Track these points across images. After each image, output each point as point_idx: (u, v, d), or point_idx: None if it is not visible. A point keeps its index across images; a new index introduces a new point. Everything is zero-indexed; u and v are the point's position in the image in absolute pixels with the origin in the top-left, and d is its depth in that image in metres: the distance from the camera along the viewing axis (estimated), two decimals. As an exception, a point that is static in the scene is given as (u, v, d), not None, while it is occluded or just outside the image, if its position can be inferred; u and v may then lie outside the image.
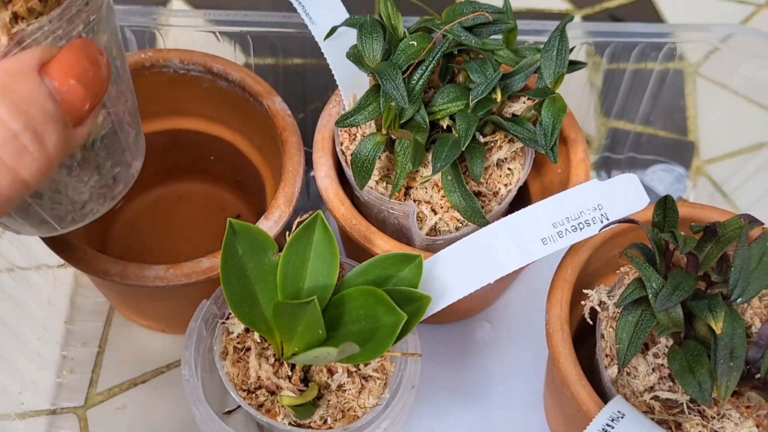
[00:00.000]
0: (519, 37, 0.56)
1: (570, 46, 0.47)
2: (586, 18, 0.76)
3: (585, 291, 0.46)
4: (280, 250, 0.42)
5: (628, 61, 0.61)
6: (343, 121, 0.46)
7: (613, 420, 0.38)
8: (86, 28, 0.34)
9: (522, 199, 0.57)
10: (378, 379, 0.43)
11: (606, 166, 0.68)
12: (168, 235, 0.60)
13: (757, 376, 0.40)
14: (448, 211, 0.49)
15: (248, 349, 0.43)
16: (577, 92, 0.64)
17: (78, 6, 0.33)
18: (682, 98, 0.68)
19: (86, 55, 0.33)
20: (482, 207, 0.49)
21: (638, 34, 0.59)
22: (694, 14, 0.77)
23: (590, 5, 0.77)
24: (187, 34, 0.58)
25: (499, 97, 0.46)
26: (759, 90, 0.59)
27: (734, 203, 0.63)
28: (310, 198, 0.64)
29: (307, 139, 0.53)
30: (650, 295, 0.41)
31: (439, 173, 0.45)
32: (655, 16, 0.76)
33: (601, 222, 0.44)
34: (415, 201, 0.49)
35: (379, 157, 0.47)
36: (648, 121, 0.66)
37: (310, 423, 0.42)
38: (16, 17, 0.31)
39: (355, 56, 0.46)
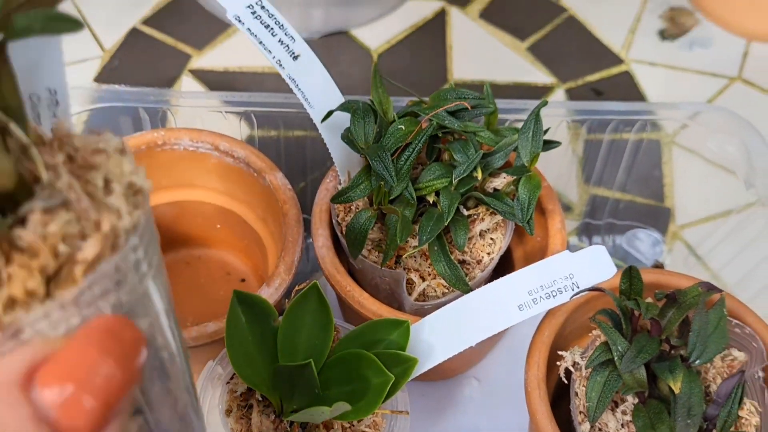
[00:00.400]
0: (502, 115, 0.61)
1: (550, 124, 0.51)
2: (570, 91, 0.81)
3: (560, 353, 0.50)
4: (281, 314, 0.46)
5: (605, 133, 0.66)
6: (338, 198, 0.50)
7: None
8: (117, 312, 0.24)
9: (506, 264, 0.61)
10: (370, 434, 0.47)
11: (587, 232, 0.72)
12: (177, 298, 0.63)
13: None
14: (435, 278, 0.53)
15: (251, 406, 0.47)
16: (559, 160, 0.69)
17: (103, 287, 0.23)
18: (658, 167, 0.73)
19: (105, 346, 0.22)
20: (466, 274, 0.53)
21: (614, 112, 0.64)
22: (671, 86, 0.82)
23: (573, 79, 0.82)
24: (196, 113, 0.62)
25: (479, 175, 0.50)
26: (726, 162, 0.64)
27: (707, 265, 0.67)
28: (309, 262, 0.68)
29: (307, 207, 0.58)
30: (616, 358, 0.45)
31: (427, 243, 0.50)
32: (634, 89, 0.81)
33: (572, 290, 0.48)
34: (405, 269, 0.53)
35: (372, 229, 0.52)
36: (625, 189, 0.70)
37: (306, 476, 0.46)
38: (12, 302, 0.22)
39: (349, 138, 0.51)
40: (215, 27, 0.84)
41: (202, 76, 0.80)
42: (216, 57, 0.82)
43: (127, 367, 0.22)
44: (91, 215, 0.23)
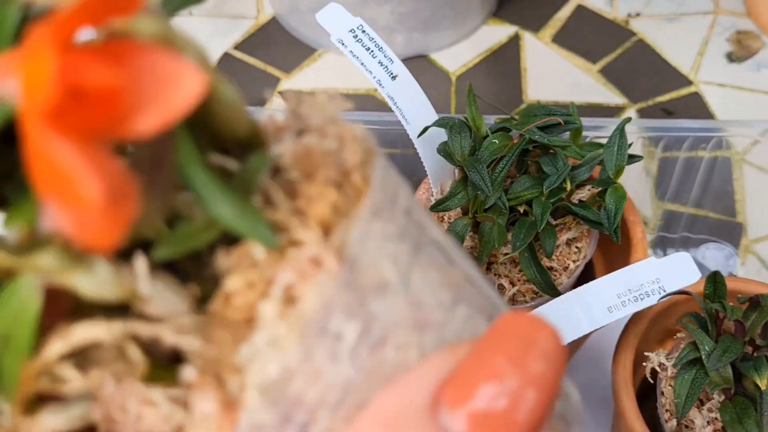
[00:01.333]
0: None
1: (629, 142, 0.55)
2: (641, 111, 0.84)
3: (646, 354, 0.53)
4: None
5: (680, 151, 0.69)
6: (437, 206, 0.54)
7: (673, 463, 0.45)
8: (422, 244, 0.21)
9: (589, 272, 0.64)
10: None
11: (662, 245, 0.75)
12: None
13: (800, 427, 0.46)
14: (524, 284, 0.56)
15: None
16: (634, 178, 0.72)
17: (386, 192, 0.21)
18: (730, 183, 0.75)
19: (519, 358, 0.18)
20: (554, 280, 0.56)
21: (686, 129, 0.66)
22: (739, 106, 0.84)
23: (644, 100, 0.85)
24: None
25: (568, 186, 0.54)
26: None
27: (780, 278, 0.69)
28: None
29: (396, 220, 0.62)
30: (703, 357, 0.48)
31: (517, 251, 0.53)
32: (704, 109, 0.84)
33: (659, 294, 0.51)
34: (495, 275, 0.57)
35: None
36: (699, 204, 0.73)
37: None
38: (326, 226, 0.19)
39: (446, 152, 0.55)
40: (302, 52, 0.89)
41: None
42: (303, 80, 0.86)
43: (549, 387, 0.18)
44: (331, 130, 0.21)
